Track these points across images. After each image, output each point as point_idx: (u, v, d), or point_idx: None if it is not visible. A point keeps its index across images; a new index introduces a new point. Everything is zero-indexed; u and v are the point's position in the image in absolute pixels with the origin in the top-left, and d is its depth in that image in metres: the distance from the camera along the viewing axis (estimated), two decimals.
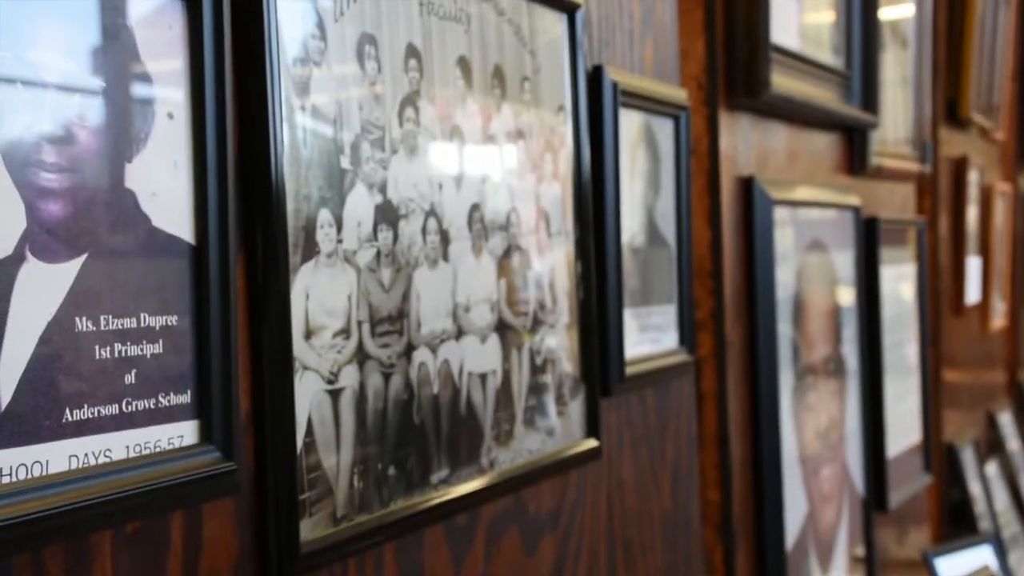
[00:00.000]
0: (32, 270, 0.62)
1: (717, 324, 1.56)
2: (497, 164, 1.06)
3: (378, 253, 0.88)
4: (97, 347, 0.65)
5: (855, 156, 2.13)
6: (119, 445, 0.67)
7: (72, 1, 0.65)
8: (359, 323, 0.86)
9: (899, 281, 2.35)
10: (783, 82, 1.66)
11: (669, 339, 1.42)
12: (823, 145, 2.01)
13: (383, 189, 0.89)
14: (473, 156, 1.02)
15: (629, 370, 1.28)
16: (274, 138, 0.76)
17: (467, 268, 1.00)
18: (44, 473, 0.62)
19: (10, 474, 0.61)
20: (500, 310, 1.05)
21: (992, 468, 3.12)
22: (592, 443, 1.19)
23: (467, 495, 0.98)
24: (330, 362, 0.83)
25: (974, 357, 3.17)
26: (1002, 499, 3.12)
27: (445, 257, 0.97)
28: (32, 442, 0.62)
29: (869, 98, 2.05)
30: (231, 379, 0.73)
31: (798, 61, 1.78)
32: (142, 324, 0.68)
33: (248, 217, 0.77)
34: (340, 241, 0.84)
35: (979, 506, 2.86)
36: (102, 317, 0.66)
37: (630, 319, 1.31)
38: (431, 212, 0.95)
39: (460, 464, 0.98)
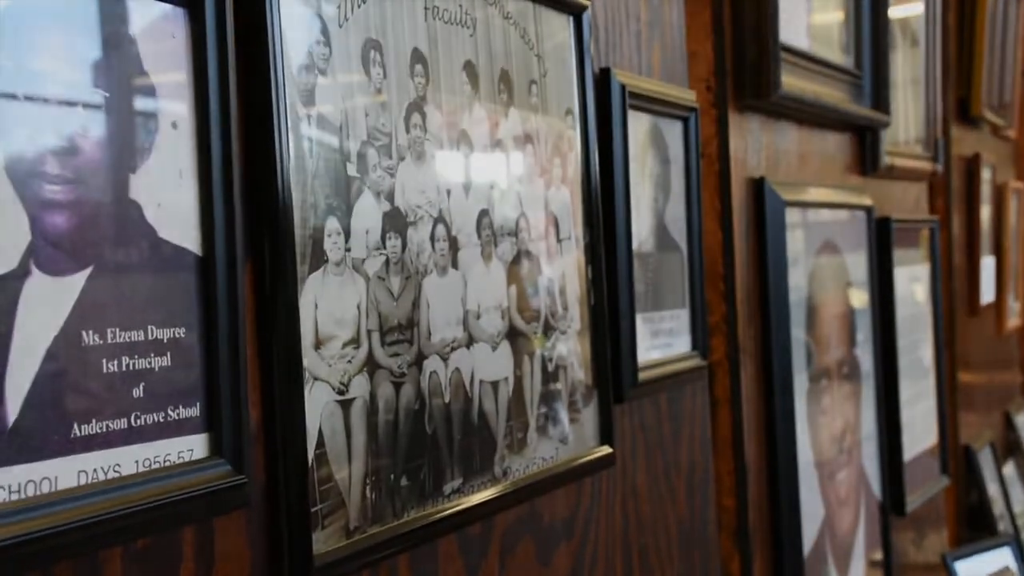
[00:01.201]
0: (37, 284, 0.61)
1: (730, 328, 1.54)
2: (505, 170, 1.05)
3: (387, 261, 0.87)
4: (104, 361, 0.65)
5: (866, 156, 2.11)
6: (128, 460, 0.66)
7: (74, 12, 0.64)
8: (369, 332, 0.85)
9: (912, 282, 2.33)
10: (793, 82, 1.65)
11: (682, 344, 1.41)
12: (834, 145, 1.99)
13: (391, 196, 0.88)
14: (481, 162, 1.01)
15: (642, 375, 1.27)
16: (280, 147, 0.76)
17: (477, 275, 0.99)
18: (53, 489, 0.62)
19: (19, 491, 0.60)
20: (511, 317, 1.04)
21: (1010, 469, 3.10)
22: (606, 450, 1.18)
23: (481, 504, 0.97)
24: (340, 372, 0.82)
25: (990, 358, 3.15)
26: (1020, 500, 3.09)
27: (454, 264, 0.96)
28: (40, 458, 0.61)
29: (880, 97, 2.03)
30: (240, 391, 0.73)
31: (808, 61, 1.76)
32: (149, 337, 0.68)
33: (255, 227, 0.76)
34: (348, 250, 0.83)
35: (997, 508, 2.84)
36: (109, 330, 0.65)
37: (642, 324, 1.30)
38: (439, 219, 0.94)
39: (473, 473, 0.97)
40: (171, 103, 0.70)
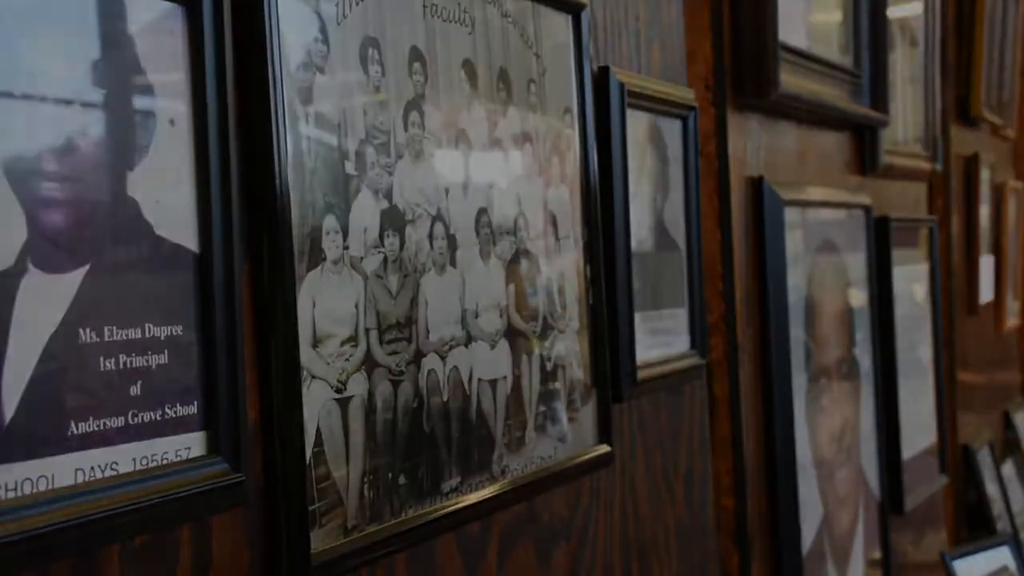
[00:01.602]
0: (34, 281, 0.61)
1: (728, 327, 1.54)
2: (504, 168, 1.05)
3: (385, 259, 0.87)
4: (101, 359, 0.65)
5: (865, 155, 2.11)
6: (125, 458, 0.66)
7: (72, 10, 0.64)
8: (367, 330, 0.85)
9: (911, 281, 2.33)
10: (792, 81, 1.65)
11: (681, 343, 1.41)
12: (833, 145, 1.99)
13: (389, 195, 0.88)
14: (479, 160, 1.01)
15: (641, 374, 1.27)
16: (278, 145, 0.76)
17: (475, 273, 0.99)
18: (50, 487, 0.61)
19: (15, 489, 0.60)
20: (509, 316, 1.04)
21: (1008, 469, 3.10)
22: (604, 449, 1.18)
23: (479, 503, 0.97)
24: (338, 370, 0.82)
25: (989, 357, 3.15)
26: (1019, 500, 3.09)
27: (453, 263, 0.96)
28: (37, 456, 0.61)
29: (879, 96, 2.03)
30: (238, 389, 0.72)
31: (807, 60, 1.76)
32: (147, 335, 0.67)
33: (253, 225, 0.76)
34: (346, 248, 0.83)
35: (996, 507, 2.84)
36: (106, 328, 0.65)
37: (641, 323, 1.30)
38: (438, 217, 0.94)
39: (471, 472, 0.97)
40: (169, 101, 0.70)
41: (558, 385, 1.11)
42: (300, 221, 0.79)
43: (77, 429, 0.63)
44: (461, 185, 0.98)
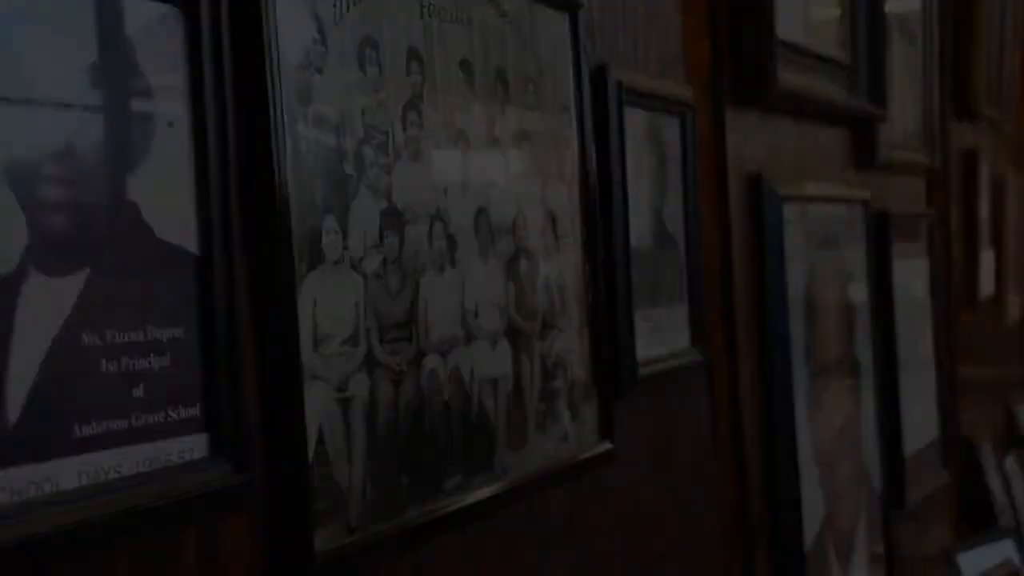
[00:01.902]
0: (35, 285, 0.61)
1: (728, 324, 1.55)
2: (502, 167, 1.05)
3: (384, 259, 0.88)
4: (104, 361, 0.65)
5: (864, 151, 2.11)
6: (129, 460, 0.66)
7: (69, 13, 0.64)
8: (367, 330, 0.85)
9: (911, 276, 2.33)
10: (790, 77, 1.65)
11: (681, 340, 1.41)
12: (831, 140, 1.99)
13: (388, 195, 0.88)
14: (478, 160, 1.01)
15: (641, 372, 1.27)
16: (276, 145, 0.76)
17: (475, 273, 0.99)
18: (54, 490, 0.62)
19: (20, 492, 0.60)
20: (509, 315, 1.04)
21: (1011, 463, 3.10)
22: (606, 446, 1.18)
23: (481, 502, 0.97)
24: (339, 371, 0.82)
25: (990, 351, 3.15)
26: (1022, 494, 3.09)
27: (452, 262, 0.96)
28: (41, 459, 0.61)
29: (877, 91, 2.03)
30: (240, 390, 0.73)
31: (805, 55, 1.76)
32: (148, 337, 0.68)
33: (253, 226, 0.76)
34: (346, 248, 0.83)
35: (999, 501, 2.84)
36: (107, 331, 0.65)
37: (641, 320, 1.30)
38: (437, 217, 0.94)
39: (473, 471, 0.97)
40: (167, 103, 0.70)
41: (559, 383, 1.11)
42: (299, 222, 0.79)
43: (80, 432, 0.63)
44: (460, 185, 0.98)
